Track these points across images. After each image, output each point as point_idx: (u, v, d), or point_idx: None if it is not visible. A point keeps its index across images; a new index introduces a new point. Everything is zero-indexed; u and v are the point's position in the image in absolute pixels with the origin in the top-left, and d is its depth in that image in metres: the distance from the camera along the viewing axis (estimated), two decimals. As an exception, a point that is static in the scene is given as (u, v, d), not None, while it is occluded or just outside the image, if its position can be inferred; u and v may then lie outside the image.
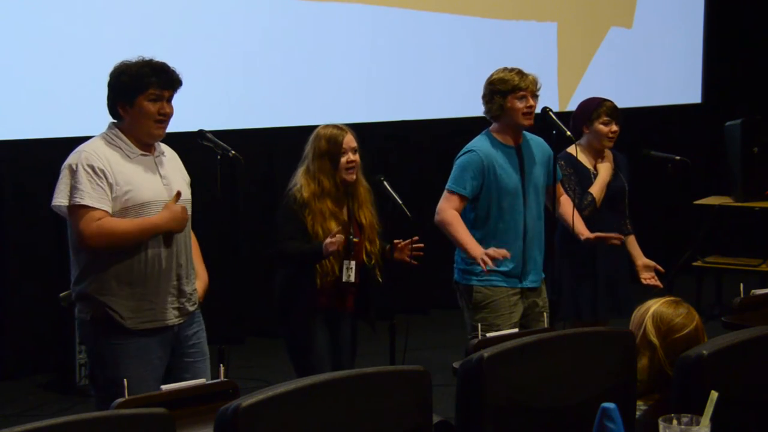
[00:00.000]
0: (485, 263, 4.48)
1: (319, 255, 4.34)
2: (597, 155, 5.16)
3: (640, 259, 5.25)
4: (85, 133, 4.17)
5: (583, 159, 5.11)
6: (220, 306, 4.18)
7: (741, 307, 3.96)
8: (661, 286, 5.19)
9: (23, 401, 5.91)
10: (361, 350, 4.73)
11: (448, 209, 4.69)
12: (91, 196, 3.75)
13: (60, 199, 3.79)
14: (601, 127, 5.10)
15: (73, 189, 3.76)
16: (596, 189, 5.07)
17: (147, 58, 3.89)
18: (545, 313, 4.60)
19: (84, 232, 3.77)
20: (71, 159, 3.82)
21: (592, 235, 4.89)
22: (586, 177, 5.09)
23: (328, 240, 4.29)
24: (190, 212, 3.98)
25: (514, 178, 4.66)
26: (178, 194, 3.85)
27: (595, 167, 5.14)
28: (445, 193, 4.74)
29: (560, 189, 4.91)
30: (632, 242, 5.29)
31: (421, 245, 4.51)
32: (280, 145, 6.82)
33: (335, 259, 4.45)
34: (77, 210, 3.77)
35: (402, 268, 4.64)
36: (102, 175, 3.77)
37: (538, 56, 7.72)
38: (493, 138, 4.72)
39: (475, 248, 4.58)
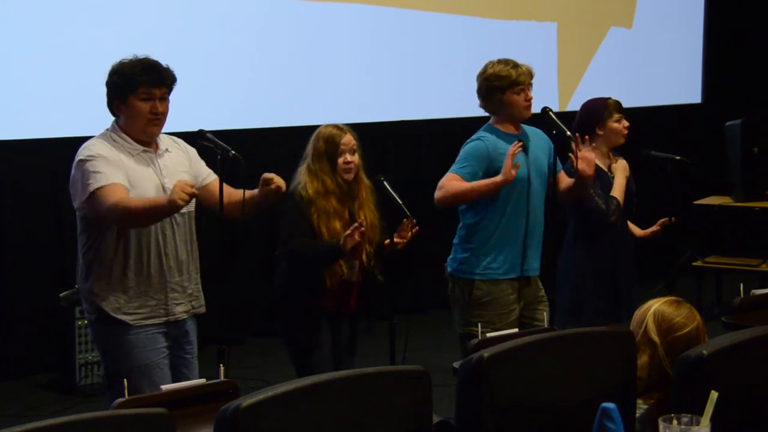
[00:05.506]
0: (511, 170, 4.42)
1: (336, 254, 4.35)
2: (606, 157, 5.13)
3: (641, 231, 5.34)
4: (86, 133, 4.17)
5: (598, 161, 5.05)
6: (220, 306, 4.18)
7: (741, 307, 3.95)
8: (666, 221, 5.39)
9: (23, 401, 5.91)
10: (361, 350, 4.73)
11: (445, 182, 4.62)
12: (106, 175, 3.76)
13: (76, 200, 3.85)
14: (615, 125, 5.08)
15: (87, 178, 3.78)
16: (618, 193, 5.02)
17: (140, 57, 3.91)
18: (545, 310, 4.58)
19: (102, 210, 3.76)
20: (79, 154, 3.86)
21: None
22: (605, 180, 5.04)
23: (346, 235, 4.29)
24: (192, 208, 4.00)
25: (521, 166, 4.61)
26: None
27: (609, 170, 5.11)
28: (446, 174, 4.66)
29: (564, 176, 4.84)
30: (631, 226, 5.30)
31: (416, 228, 4.44)
32: (280, 145, 6.81)
33: (344, 259, 4.45)
34: (93, 196, 3.78)
35: (401, 268, 4.62)
36: (113, 161, 3.80)
37: (538, 56, 7.66)
38: (497, 129, 4.69)
39: (493, 179, 4.51)
